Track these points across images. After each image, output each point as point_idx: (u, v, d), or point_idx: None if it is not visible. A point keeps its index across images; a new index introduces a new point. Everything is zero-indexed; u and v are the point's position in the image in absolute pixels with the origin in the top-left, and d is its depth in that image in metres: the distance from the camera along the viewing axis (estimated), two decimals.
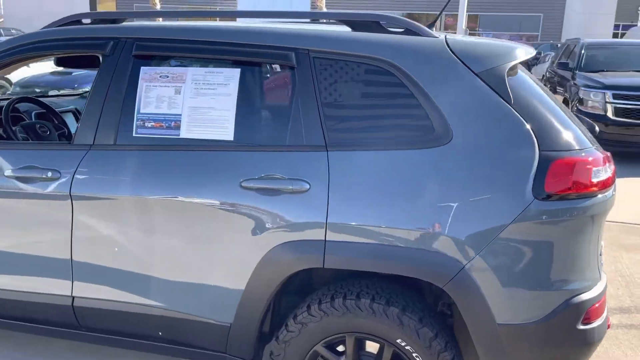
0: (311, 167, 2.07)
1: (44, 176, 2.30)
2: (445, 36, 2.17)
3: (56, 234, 2.34)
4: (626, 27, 38.20)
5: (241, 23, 2.51)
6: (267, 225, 2.10)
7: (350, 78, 2.13)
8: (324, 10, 29.64)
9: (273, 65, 2.36)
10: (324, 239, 2.04)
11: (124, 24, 2.54)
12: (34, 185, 2.33)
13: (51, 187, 2.30)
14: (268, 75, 2.41)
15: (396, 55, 2.08)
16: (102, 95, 2.33)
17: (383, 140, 2.06)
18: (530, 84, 2.21)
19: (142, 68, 2.33)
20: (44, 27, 2.57)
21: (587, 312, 2.03)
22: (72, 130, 3.40)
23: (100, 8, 29.46)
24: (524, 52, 2.16)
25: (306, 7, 36.10)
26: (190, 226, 2.20)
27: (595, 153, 2.03)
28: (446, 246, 1.95)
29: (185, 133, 2.25)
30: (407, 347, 2.04)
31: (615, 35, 36.98)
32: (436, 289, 2.10)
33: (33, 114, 3.28)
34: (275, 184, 2.08)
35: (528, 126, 1.97)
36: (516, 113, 2.00)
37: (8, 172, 2.36)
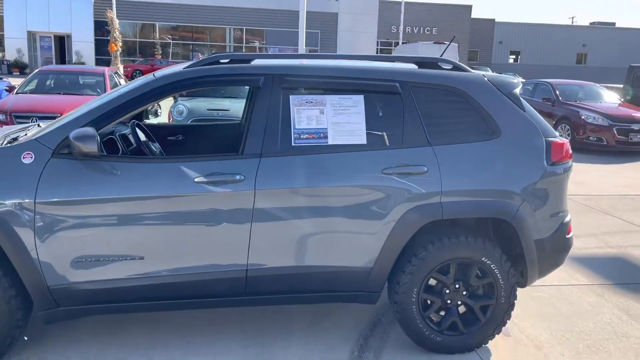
0: (425, 157, 3.26)
1: (234, 179, 3.06)
2: (480, 72, 3.54)
3: (239, 219, 3.10)
4: (384, 44, 44.81)
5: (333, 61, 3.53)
6: (402, 197, 3.22)
7: (435, 99, 3.37)
8: (115, 20, 28.88)
9: (385, 91, 3.42)
10: (440, 201, 3.24)
11: (270, 62, 3.37)
12: (223, 187, 3.07)
13: (239, 187, 3.07)
14: (382, 99, 3.46)
15: (463, 84, 3.39)
16: (263, 118, 3.18)
17: (462, 136, 3.34)
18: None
19: (290, 96, 3.24)
20: (188, 66, 3.26)
21: (569, 227, 3.59)
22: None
23: None
24: (520, 82, 3.64)
25: (89, 16, 34.42)
26: (346, 203, 3.19)
27: (563, 138, 3.60)
28: (509, 197, 3.32)
29: (332, 141, 3.23)
30: (487, 262, 3.35)
31: (379, 51, 42.86)
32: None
33: (118, 134, 3.75)
34: (407, 169, 3.22)
35: (535, 124, 3.45)
36: (528, 117, 3.46)
37: (199, 179, 3.05)
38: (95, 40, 35.96)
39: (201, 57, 34.50)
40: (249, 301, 3.31)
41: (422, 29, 45.83)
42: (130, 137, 3.77)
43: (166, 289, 3.17)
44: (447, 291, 3.41)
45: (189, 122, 9.37)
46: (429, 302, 3.43)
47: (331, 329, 3.74)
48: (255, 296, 3.30)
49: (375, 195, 3.22)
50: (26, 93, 10.42)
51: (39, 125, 3.74)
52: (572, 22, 69.05)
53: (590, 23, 60.37)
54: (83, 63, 33.99)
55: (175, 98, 11.25)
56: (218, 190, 3.08)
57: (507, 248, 3.55)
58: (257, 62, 3.39)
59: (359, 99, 3.31)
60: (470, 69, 3.58)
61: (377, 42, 42.37)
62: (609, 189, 8.74)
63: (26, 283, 3.01)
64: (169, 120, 10.26)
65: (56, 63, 34.56)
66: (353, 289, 3.36)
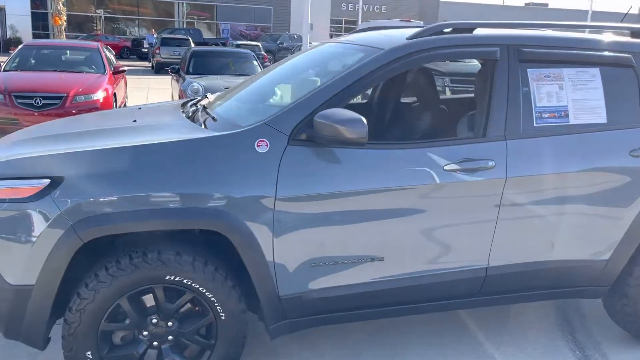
0: None
1: (486, 165, 2.66)
2: None
3: (486, 212, 2.71)
4: (338, 22, 44.20)
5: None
6: None
7: None
8: None
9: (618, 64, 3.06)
10: None
11: (501, 32, 2.95)
12: (474, 175, 2.66)
13: (491, 174, 2.67)
14: (613, 72, 3.09)
15: None
16: (504, 95, 2.78)
17: None
18: None
19: (528, 70, 2.85)
20: (411, 36, 2.77)
21: None
22: None
23: None
24: None
25: None
26: (590, 189, 2.86)
27: None
28: None
29: (573, 120, 2.88)
30: None
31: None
32: None
33: None
34: None
35: None
36: None
37: (449, 167, 2.62)
38: (32, 13, 33.33)
39: (155, 33, 32.43)
40: (480, 302, 2.94)
41: (371, 6, 45.57)
42: None
43: (402, 293, 2.74)
44: None
45: None
46: None
47: (523, 325, 3.44)
48: (487, 296, 2.93)
49: (621, 179, 2.90)
50: (15, 70, 9.31)
51: (206, 96, 3.14)
52: (503, 2, 70.70)
53: (526, 4, 62.25)
54: (19, 38, 31.43)
55: (181, 76, 10.48)
56: (469, 179, 2.67)
57: None
58: (482, 31, 2.97)
59: (596, 72, 2.97)
60: None
61: (331, 19, 41.74)
62: None
63: (260, 293, 2.50)
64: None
65: None
66: (583, 284, 3.05)
